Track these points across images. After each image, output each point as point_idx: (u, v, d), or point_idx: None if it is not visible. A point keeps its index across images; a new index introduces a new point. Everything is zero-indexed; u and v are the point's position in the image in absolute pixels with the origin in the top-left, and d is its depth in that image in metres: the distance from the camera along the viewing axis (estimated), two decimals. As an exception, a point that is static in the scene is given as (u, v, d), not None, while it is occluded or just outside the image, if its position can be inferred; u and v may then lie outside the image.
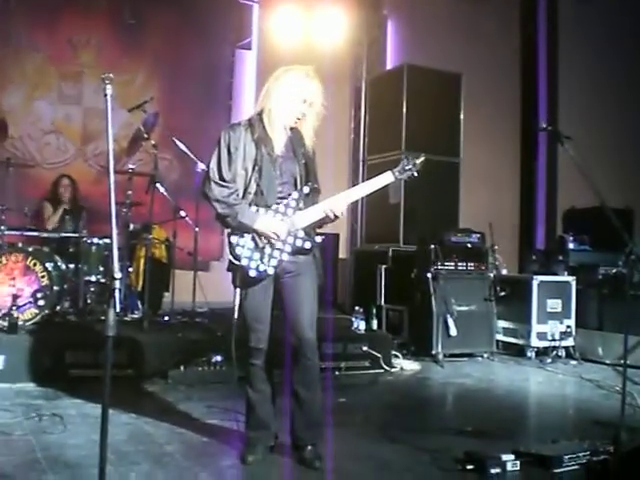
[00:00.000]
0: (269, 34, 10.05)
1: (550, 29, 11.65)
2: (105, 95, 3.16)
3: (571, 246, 8.69)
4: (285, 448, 4.16)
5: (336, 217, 3.99)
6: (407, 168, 4.13)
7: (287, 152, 4.04)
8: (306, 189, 4.02)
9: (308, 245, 3.99)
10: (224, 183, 3.94)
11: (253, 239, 3.95)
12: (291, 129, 4.06)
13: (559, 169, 11.23)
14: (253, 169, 3.96)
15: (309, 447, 4.04)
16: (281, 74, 4.04)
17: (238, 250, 3.94)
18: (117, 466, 3.80)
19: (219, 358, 6.15)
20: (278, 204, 3.97)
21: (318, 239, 4.09)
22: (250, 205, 3.95)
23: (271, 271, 3.95)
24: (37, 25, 8.82)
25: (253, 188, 3.97)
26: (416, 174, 4.15)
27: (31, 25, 8.77)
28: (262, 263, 3.93)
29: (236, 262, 3.94)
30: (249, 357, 4.08)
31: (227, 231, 4.01)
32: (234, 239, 3.96)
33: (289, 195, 4.00)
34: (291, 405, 4.10)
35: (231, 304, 4.09)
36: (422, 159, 4.16)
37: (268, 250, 3.94)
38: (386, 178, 4.11)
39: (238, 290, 4.04)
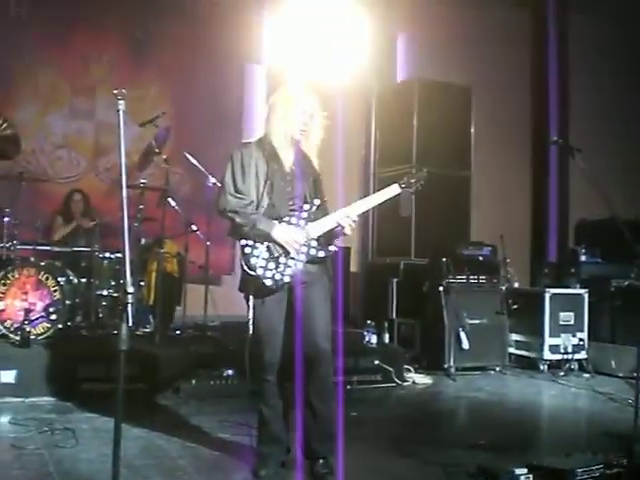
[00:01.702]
0: (279, 48, 10.07)
1: (560, 41, 11.64)
2: (118, 110, 3.18)
3: (583, 258, 8.67)
4: (297, 462, 4.15)
5: (344, 229, 4.04)
6: (412, 181, 4.20)
7: (296, 170, 4.12)
8: (317, 201, 4.07)
9: (322, 254, 4.04)
10: (239, 195, 4.00)
11: (268, 249, 3.97)
12: (297, 149, 4.12)
13: (570, 181, 11.18)
14: (265, 183, 4.02)
15: (321, 460, 4.03)
16: (279, 91, 4.18)
17: (253, 260, 3.96)
18: (129, 480, 3.80)
19: (231, 372, 6.15)
20: (290, 216, 4.02)
21: (332, 248, 4.10)
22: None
23: (287, 279, 3.97)
24: (50, 41, 8.87)
25: (265, 202, 4.02)
26: (421, 187, 4.22)
27: (44, 41, 8.82)
28: (278, 272, 3.95)
29: (251, 272, 3.95)
30: (262, 372, 4.09)
31: (241, 243, 4.02)
32: (248, 250, 3.98)
33: (300, 208, 4.05)
34: (304, 417, 4.09)
35: (242, 318, 4.09)
36: (425, 172, 4.25)
37: (283, 259, 3.97)
38: (392, 190, 4.18)
39: (251, 304, 4.05)
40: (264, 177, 4.02)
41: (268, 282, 3.94)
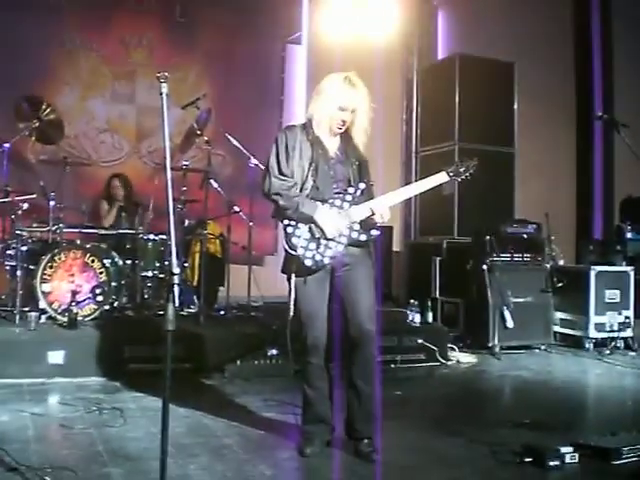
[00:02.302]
0: (319, 28, 10.03)
1: (603, 14, 11.42)
2: (161, 94, 3.19)
3: (629, 235, 8.53)
4: (342, 441, 4.17)
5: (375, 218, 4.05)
6: (461, 170, 4.20)
7: (340, 155, 4.13)
8: (362, 185, 4.07)
9: (364, 237, 4.05)
10: (283, 177, 4.02)
11: (310, 229, 4.00)
12: (342, 135, 4.13)
13: (615, 157, 11.01)
14: (310, 166, 4.03)
15: (365, 440, 4.05)
16: (323, 82, 4.14)
17: (294, 240, 3.99)
18: (177, 458, 3.85)
19: (275, 351, 6.18)
20: (335, 198, 4.04)
21: (375, 232, 4.09)
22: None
23: (327, 261, 3.99)
24: (89, 26, 8.93)
25: (310, 183, 4.04)
26: (469, 176, 4.22)
27: (83, 26, 8.88)
28: (318, 253, 3.98)
29: (292, 252, 3.99)
30: (305, 355, 4.11)
31: (284, 222, 4.05)
32: (290, 229, 4.02)
33: (345, 190, 4.06)
34: (349, 398, 4.12)
35: (285, 298, 4.11)
36: (475, 161, 4.24)
37: (324, 241, 3.99)
38: (440, 178, 4.19)
39: (293, 285, 4.07)
40: (308, 160, 4.03)
41: (308, 262, 3.97)
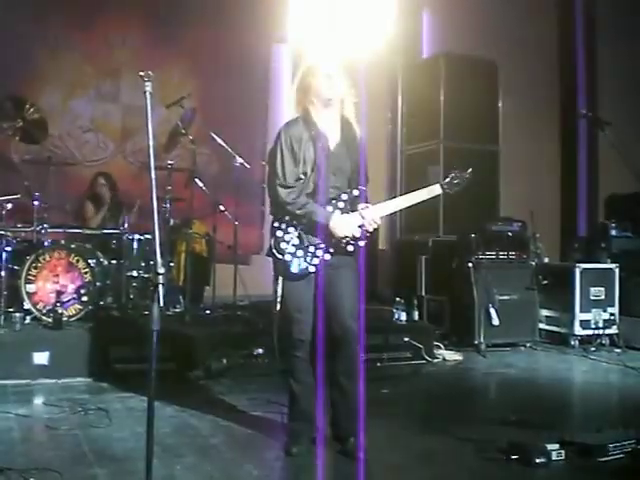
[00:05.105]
0: (304, 26, 10.03)
1: (587, 13, 11.47)
2: (145, 92, 3.18)
3: (613, 233, 8.56)
4: (328, 439, 4.17)
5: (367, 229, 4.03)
6: (455, 182, 4.21)
7: (341, 147, 4.10)
8: (356, 192, 4.07)
9: (351, 248, 4.06)
10: (289, 185, 3.99)
11: (299, 236, 4.00)
12: (342, 122, 4.11)
13: (600, 155, 11.06)
14: (312, 171, 4.01)
15: (351, 439, 4.04)
16: (298, 70, 4.14)
17: (282, 245, 4.00)
18: (163, 459, 3.83)
19: (261, 351, 6.18)
20: (327, 205, 4.04)
21: (362, 242, 4.09)
22: None
23: (312, 269, 4.00)
24: (73, 25, 8.89)
25: (310, 188, 4.02)
26: (462, 189, 4.24)
27: (67, 25, 8.85)
28: (304, 261, 3.99)
29: (279, 256, 4.00)
30: (292, 349, 4.11)
31: (273, 225, 4.06)
32: (279, 233, 4.02)
33: (338, 196, 4.05)
34: (333, 396, 4.12)
35: (271, 297, 4.12)
36: (469, 174, 4.24)
37: (311, 249, 3.99)
38: (433, 190, 4.17)
39: (280, 281, 4.08)
40: (311, 163, 4.00)
41: (294, 269, 3.99)
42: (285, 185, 4.00)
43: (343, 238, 3.98)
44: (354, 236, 4.00)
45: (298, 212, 3.97)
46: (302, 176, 4.01)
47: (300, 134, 4.04)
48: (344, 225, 3.98)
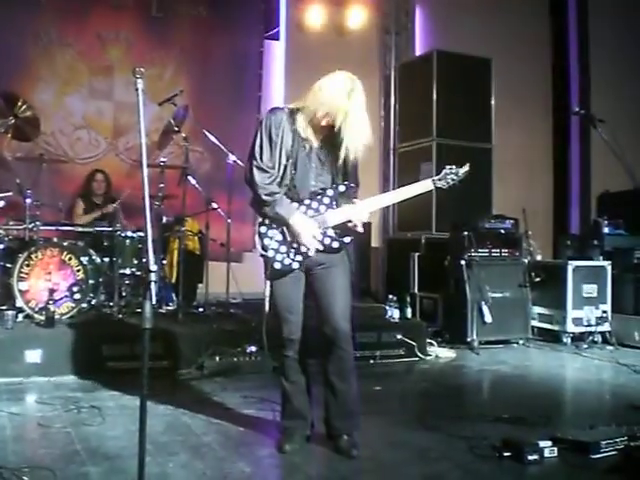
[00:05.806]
0: (297, 24, 10.04)
1: (580, 8, 11.48)
2: (137, 89, 3.17)
3: (606, 230, 8.57)
4: (322, 437, 4.17)
5: (356, 226, 3.97)
6: (449, 178, 4.12)
7: (325, 146, 4.00)
8: (342, 187, 3.99)
9: (336, 245, 3.99)
10: (265, 168, 3.91)
11: (282, 232, 3.96)
12: (330, 131, 3.93)
13: (592, 152, 11.08)
14: (287, 161, 3.93)
15: (345, 437, 4.04)
16: (326, 79, 3.91)
17: (266, 241, 3.97)
18: (155, 457, 3.83)
19: (254, 348, 6.17)
20: (311, 199, 3.97)
21: (347, 239, 4.02)
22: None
23: (296, 265, 3.96)
24: (66, 21, 8.86)
25: (287, 180, 3.95)
26: (459, 183, 4.15)
27: (60, 21, 8.82)
28: (288, 257, 3.95)
29: (263, 252, 3.97)
30: (282, 348, 4.09)
31: (258, 220, 4.01)
32: (263, 229, 3.98)
33: (323, 191, 3.99)
34: (325, 395, 4.10)
35: (263, 295, 4.10)
36: (466, 169, 4.15)
37: (295, 245, 3.95)
38: (424, 186, 4.12)
39: (269, 281, 4.06)
40: (287, 154, 3.92)
41: (277, 265, 3.95)
42: (261, 167, 3.90)
43: (301, 239, 3.89)
44: (316, 238, 3.90)
45: (266, 198, 3.88)
46: (277, 164, 3.92)
47: (282, 122, 3.95)
48: (304, 225, 3.88)
